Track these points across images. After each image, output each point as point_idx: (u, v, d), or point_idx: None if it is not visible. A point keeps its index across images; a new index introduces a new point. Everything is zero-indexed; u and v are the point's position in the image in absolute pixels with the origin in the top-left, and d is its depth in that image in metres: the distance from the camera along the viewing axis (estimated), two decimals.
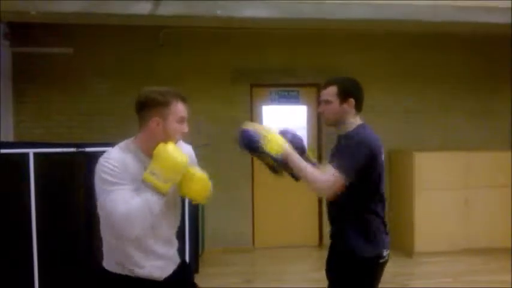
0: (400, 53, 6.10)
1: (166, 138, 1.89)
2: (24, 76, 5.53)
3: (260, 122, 6.00)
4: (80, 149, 3.84)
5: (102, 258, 2.04)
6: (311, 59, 5.96)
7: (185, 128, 1.96)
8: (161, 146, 1.85)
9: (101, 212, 1.86)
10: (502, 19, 4.81)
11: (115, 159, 1.86)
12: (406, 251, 5.51)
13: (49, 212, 3.74)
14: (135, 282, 1.95)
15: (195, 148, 2.20)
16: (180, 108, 1.92)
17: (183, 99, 1.94)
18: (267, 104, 6.08)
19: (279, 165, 2.25)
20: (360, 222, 2.24)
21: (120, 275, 1.95)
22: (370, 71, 5.85)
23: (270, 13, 4.62)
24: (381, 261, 2.26)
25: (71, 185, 3.84)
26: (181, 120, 1.93)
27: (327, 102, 2.33)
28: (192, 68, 5.73)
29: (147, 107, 1.89)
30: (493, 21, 4.85)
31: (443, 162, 5.62)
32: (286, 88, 6.09)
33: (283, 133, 2.35)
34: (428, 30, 5.54)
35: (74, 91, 5.64)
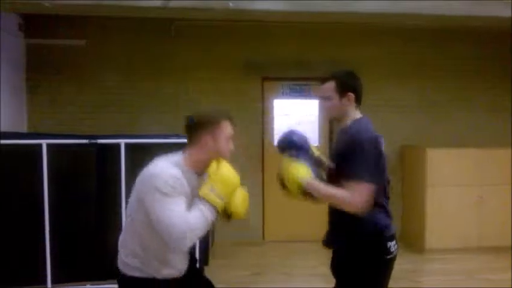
0: (412, 47, 6.03)
1: (217, 156, 2.01)
2: (38, 67, 5.57)
3: (271, 115, 5.98)
4: (92, 141, 3.86)
5: (115, 264, 2.09)
6: (323, 52, 5.91)
7: (231, 145, 2.08)
8: (219, 164, 1.98)
9: (157, 224, 1.88)
10: None
11: (173, 175, 1.90)
12: (417, 247, 5.47)
13: (61, 202, 3.78)
14: (160, 283, 2.01)
15: None
16: (228, 127, 2.05)
17: (231, 119, 2.08)
18: (279, 97, 6.06)
19: (305, 195, 2.26)
20: (368, 215, 2.20)
21: (146, 279, 2.00)
22: (382, 65, 5.79)
23: (283, 6, 4.58)
24: (389, 257, 2.21)
25: (83, 175, 3.88)
26: (228, 139, 2.05)
27: (327, 98, 2.31)
28: (204, 61, 5.73)
29: (200, 127, 2.00)
30: (508, 15, 4.75)
31: (456, 158, 5.55)
32: (297, 81, 6.05)
33: (289, 135, 2.37)
34: (443, 24, 5.45)
35: (86, 83, 5.67)
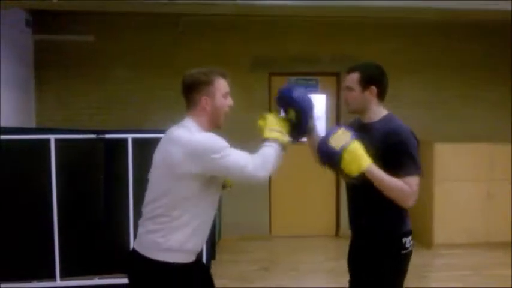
0: (421, 42, 5.98)
1: (217, 113, 2.06)
2: (46, 63, 5.60)
3: (278, 110, 5.96)
4: (100, 136, 3.87)
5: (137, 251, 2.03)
6: (330, 47, 5.88)
7: (230, 101, 2.12)
8: (267, 115, 2.18)
9: (233, 174, 2.01)
10: None
11: (209, 133, 2.01)
12: (425, 242, 5.45)
13: (69, 197, 3.80)
14: (190, 267, 2.05)
15: None
16: (223, 84, 2.08)
17: (224, 76, 2.10)
18: None
19: (357, 180, 2.10)
20: (392, 211, 2.19)
21: (179, 264, 1.99)
22: (390, 60, 5.68)
23: (291, 1, 4.57)
24: (404, 252, 2.21)
25: (91, 170, 3.89)
26: (226, 95, 2.09)
27: (350, 89, 2.27)
28: (211, 56, 5.71)
29: (195, 88, 2.03)
30: None
31: (465, 153, 5.51)
32: (305, 76, 6.03)
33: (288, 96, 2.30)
34: (452, 18, 5.40)
35: (95, 79, 5.69)
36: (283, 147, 2.10)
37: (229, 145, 2.00)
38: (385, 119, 2.25)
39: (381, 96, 2.27)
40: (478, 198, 5.50)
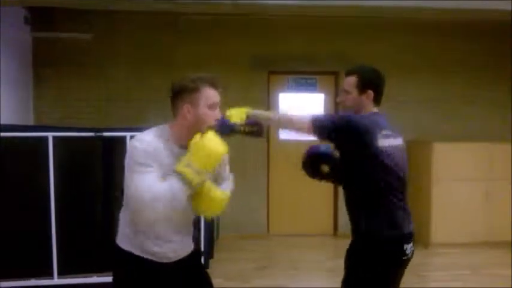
0: (420, 42, 5.98)
1: (198, 124, 1.89)
2: (44, 61, 5.59)
3: (276, 109, 5.97)
4: (98, 134, 3.87)
5: (115, 235, 2.07)
6: (330, 46, 5.88)
7: (217, 114, 1.95)
8: (202, 136, 1.83)
9: (126, 190, 1.88)
10: None
11: (148, 143, 1.86)
12: (423, 241, 5.45)
13: (67, 195, 3.79)
14: (146, 263, 1.97)
15: None
16: (210, 94, 1.92)
17: (214, 85, 1.94)
18: (284, 91, 6.04)
19: (253, 127, 2.07)
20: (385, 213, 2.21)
21: (132, 254, 1.97)
22: (389, 60, 5.74)
23: (290, 0, 4.57)
24: (404, 258, 2.20)
25: (89, 168, 3.89)
26: (212, 106, 1.93)
27: (346, 92, 2.30)
28: (210, 55, 5.71)
29: (179, 94, 1.92)
30: None
31: (463, 153, 5.52)
32: (303, 76, 6.03)
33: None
34: (451, 17, 5.40)
35: (93, 76, 5.68)
36: (189, 185, 1.81)
37: (152, 167, 1.82)
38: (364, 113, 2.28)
39: (377, 100, 2.29)
40: (476, 197, 5.51)
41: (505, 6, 4.67)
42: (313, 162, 2.47)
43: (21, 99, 5.31)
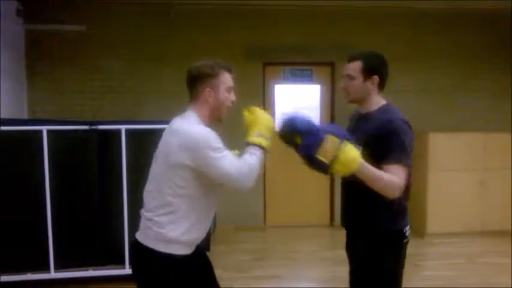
0: (416, 31, 5.96)
1: (219, 106, 2.07)
2: (37, 53, 5.53)
3: (272, 100, 5.95)
4: (93, 127, 3.84)
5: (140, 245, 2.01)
6: (325, 37, 5.85)
7: (233, 96, 2.12)
8: (252, 111, 2.10)
9: (221, 178, 1.95)
10: None
11: (208, 129, 1.98)
12: (419, 231, 5.48)
13: (63, 188, 3.78)
14: (192, 258, 2.04)
15: None
16: (228, 78, 2.09)
17: (230, 70, 2.11)
18: (280, 82, 6.02)
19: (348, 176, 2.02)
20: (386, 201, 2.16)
21: (183, 255, 2.00)
22: (385, 49, 5.61)
23: None
24: (405, 241, 2.22)
25: (84, 161, 3.86)
26: (229, 90, 2.10)
27: (350, 77, 2.21)
28: (204, 45, 5.67)
29: (199, 80, 2.03)
30: None
31: (459, 143, 5.53)
32: (299, 66, 6.01)
33: (292, 122, 2.11)
34: (449, 7, 5.38)
35: (87, 69, 5.64)
36: (266, 152, 2.06)
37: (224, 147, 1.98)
38: (382, 109, 2.23)
39: (381, 86, 2.24)
40: (472, 187, 5.53)
41: None
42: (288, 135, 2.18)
43: (15, 92, 5.26)
